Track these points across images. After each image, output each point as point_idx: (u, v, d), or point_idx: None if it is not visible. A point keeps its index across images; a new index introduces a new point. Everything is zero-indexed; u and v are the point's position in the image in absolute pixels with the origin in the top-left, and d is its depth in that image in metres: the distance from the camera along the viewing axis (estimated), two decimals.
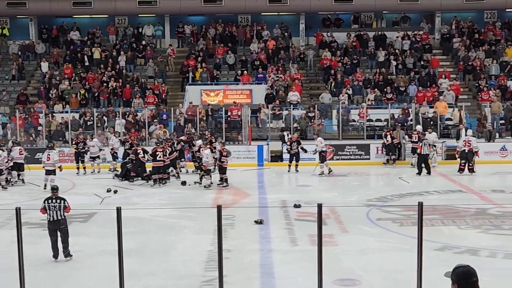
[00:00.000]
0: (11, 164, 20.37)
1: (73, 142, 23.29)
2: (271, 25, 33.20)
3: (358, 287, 10.07)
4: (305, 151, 22.25)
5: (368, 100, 27.50)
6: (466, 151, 21.11)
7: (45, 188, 18.94)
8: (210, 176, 19.40)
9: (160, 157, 19.80)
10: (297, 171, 22.16)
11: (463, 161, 21.24)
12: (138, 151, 20.59)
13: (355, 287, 10.07)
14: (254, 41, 32.27)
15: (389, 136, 23.30)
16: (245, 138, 24.95)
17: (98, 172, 22.64)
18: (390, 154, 23.45)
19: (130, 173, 20.87)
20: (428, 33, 32.67)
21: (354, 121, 26.21)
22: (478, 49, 31.10)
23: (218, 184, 19.42)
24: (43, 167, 19.61)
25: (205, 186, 19.25)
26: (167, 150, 20.31)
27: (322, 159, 21.69)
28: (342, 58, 30.65)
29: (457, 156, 21.66)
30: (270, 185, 20.41)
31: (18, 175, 20.60)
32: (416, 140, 22.43)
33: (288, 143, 22.71)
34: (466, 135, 22.04)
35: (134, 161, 20.66)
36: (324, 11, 33.24)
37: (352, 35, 32.02)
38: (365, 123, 25.65)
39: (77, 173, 22.41)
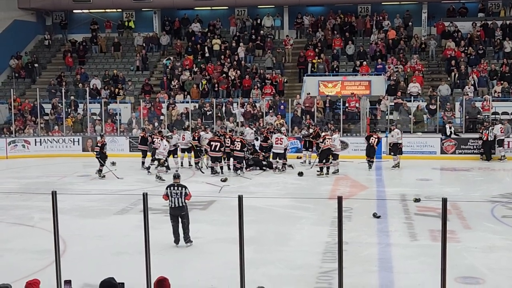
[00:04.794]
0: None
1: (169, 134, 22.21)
2: (392, 15, 32.47)
3: (482, 286, 9.61)
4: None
5: (495, 92, 26.28)
6: None
7: (181, 166, 21.67)
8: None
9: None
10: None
11: None
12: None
13: (479, 285, 9.63)
14: (374, 31, 31.71)
15: (373, 137, 21.41)
16: (363, 130, 24.57)
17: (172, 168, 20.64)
18: (369, 157, 21.35)
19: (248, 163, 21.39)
20: None
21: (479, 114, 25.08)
22: None
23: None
24: (179, 146, 21.86)
25: (333, 172, 20.26)
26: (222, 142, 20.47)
27: (396, 151, 21.52)
28: (466, 48, 29.46)
29: None
30: (388, 178, 20.00)
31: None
32: None
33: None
34: None
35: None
36: (449, 0, 32.06)
37: (477, 25, 30.70)
38: (489, 116, 24.51)
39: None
